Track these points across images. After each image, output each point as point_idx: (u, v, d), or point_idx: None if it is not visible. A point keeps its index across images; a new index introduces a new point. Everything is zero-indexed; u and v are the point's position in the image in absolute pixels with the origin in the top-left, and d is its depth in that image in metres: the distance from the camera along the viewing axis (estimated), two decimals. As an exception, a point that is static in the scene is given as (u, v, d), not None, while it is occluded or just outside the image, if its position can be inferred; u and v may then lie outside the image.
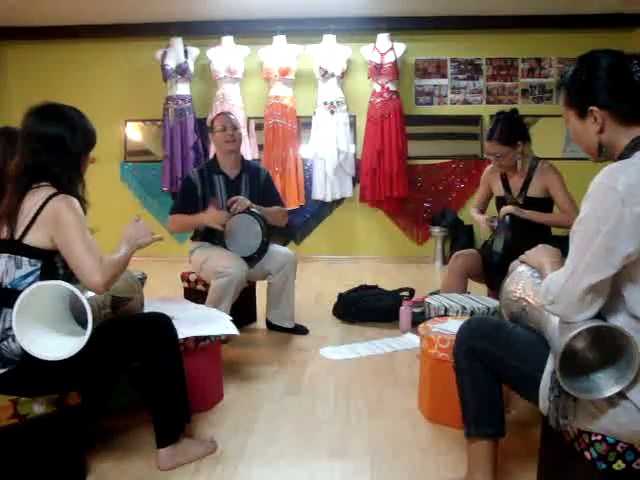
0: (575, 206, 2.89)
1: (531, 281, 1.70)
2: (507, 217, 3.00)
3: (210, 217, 3.31)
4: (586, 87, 1.47)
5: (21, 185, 1.84)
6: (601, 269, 1.33)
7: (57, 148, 1.87)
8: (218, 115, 3.69)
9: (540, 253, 1.70)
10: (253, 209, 3.37)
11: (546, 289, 1.44)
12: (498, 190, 3.26)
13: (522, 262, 1.82)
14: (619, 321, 1.39)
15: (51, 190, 1.83)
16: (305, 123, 6.30)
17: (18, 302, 1.67)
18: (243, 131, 5.51)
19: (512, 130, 3.03)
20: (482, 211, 3.42)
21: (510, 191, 3.19)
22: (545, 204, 3.09)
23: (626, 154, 1.42)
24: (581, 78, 1.48)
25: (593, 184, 1.37)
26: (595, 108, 1.45)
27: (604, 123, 1.45)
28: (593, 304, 1.36)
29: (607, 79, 1.44)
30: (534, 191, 3.09)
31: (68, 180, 1.87)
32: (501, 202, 3.23)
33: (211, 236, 3.41)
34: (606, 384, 1.37)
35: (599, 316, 1.40)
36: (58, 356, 1.71)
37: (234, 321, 2.64)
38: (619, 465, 1.42)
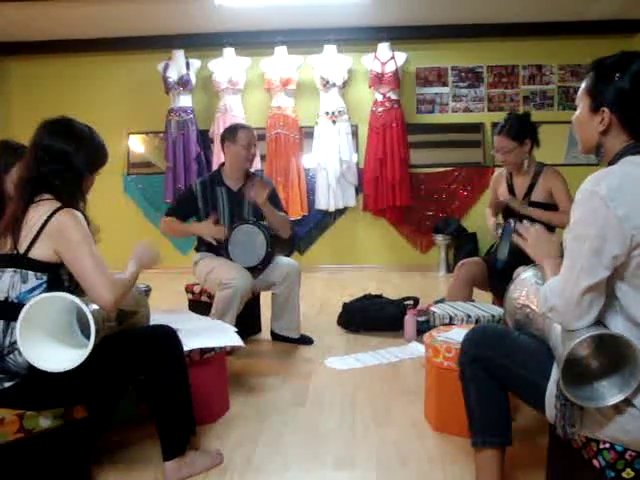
0: None
1: (535, 288, 1.69)
2: (511, 222, 3.00)
3: (207, 229, 3.33)
4: (609, 86, 1.43)
5: (24, 195, 1.85)
6: (594, 272, 1.34)
7: (59, 162, 1.87)
8: (244, 128, 3.53)
9: (539, 245, 1.68)
10: (259, 222, 3.37)
11: (544, 297, 1.45)
12: (502, 193, 3.25)
13: (525, 267, 1.81)
14: (618, 325, 1.39)
15: (56, 204, 1.83)
16: (307, 133, 6.32)
17: (22, 314, 1.68)
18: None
19: (522, 127, 3.08)
20: (495, 213, 3.41)
21: (515, 194, 3.20)
22: (548, 209, 3.09)
23: (615, 160, 1.44)
24: (611, 74, 1.43)
25: (579, 191, 1.40)
26: (607, 110, 1.44)
27: (610, 127, 1.45)
28: (591, 309, 1.37)
29: (629, 87, 1.41)
30: (538, 195, 3.11)
31: (69, 196, 1.88)
32: (505, 210, 3.23)
33: (216, 247, 3.41)
34: (610, 392, 1.37)
35: (599, 322, 1.40)
36: (59, 368, 1.70)
37: (239, 332, 2.64)
38: (628, 473, 1.40)
